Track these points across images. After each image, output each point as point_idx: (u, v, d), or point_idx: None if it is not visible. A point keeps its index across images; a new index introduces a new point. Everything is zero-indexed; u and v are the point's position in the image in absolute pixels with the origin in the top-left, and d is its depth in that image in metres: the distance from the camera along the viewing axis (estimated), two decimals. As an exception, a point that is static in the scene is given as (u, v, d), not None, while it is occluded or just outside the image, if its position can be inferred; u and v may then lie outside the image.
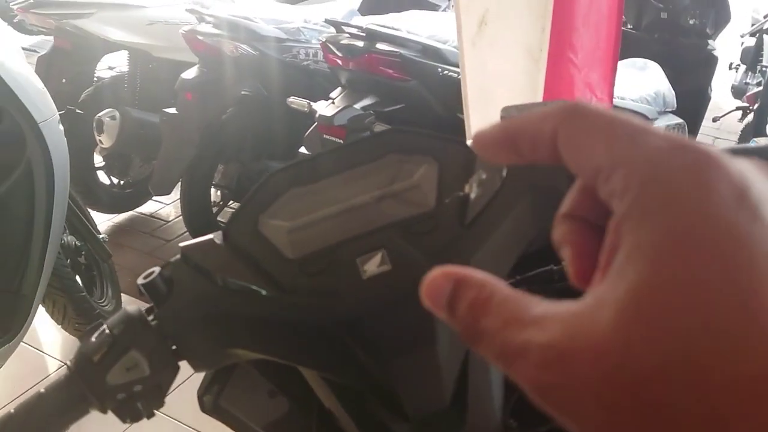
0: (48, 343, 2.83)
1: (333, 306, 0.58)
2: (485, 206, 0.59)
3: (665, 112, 2.58)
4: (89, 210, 2.85)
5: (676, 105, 2.71)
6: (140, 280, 0.62)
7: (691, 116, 2.82)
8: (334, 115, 2.46)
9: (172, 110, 3.05)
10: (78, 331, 2.66)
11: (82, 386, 0.59)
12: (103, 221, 3.70)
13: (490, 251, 0.59)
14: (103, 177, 3.65)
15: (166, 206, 3.98)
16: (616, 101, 2.37)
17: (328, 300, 0.58)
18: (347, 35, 2.63)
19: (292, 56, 3.12)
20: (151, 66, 3.51)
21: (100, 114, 3.24)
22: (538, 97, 1.79)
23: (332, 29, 2.77)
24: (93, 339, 0.61)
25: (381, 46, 2.54)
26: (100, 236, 2.65)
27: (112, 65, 3.78)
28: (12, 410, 0.61)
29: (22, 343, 2.59)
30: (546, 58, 1.74)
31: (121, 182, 3.67)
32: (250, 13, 3.15)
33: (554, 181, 0.60)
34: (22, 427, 0.61)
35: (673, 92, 2.71)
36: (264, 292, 0.59)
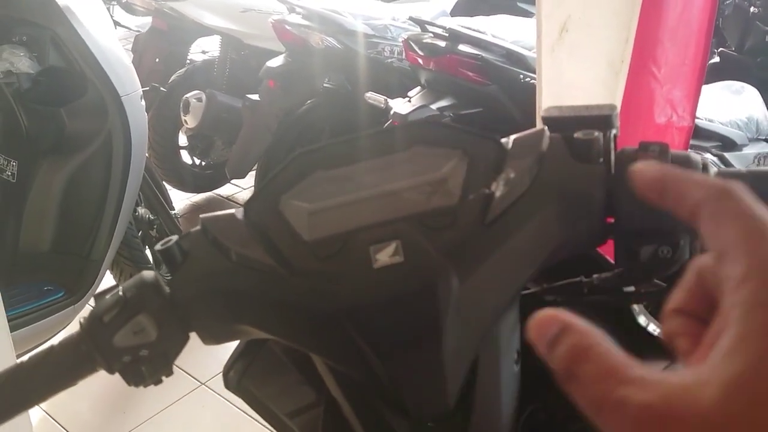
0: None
1: (339, 292, 0.57)
2: (509, 206, 0.57)
3: (758, 140, 2.45)
4: (167, 187, 2.95)
5: (772, 133, 2.57)
6: (158, 247, 0.63)
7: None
8: (408, 113, 2.45)
9: (255, 96, 3.11)
10: (142, 300, 2.76)
11: (90, 345, 0.60)
12: (182, 199, 3.82)
13: (510, 254, 0.57)
14: (186, 157, 3.77)
15: (244, 191, 4.07)
16: (703, 123, 2.27)
17: (335, 285, 0.57)
18: (430, 34, 2.62)
19: (376, 52, 3.14)
20: (241, 52, 3.59)
21: (187, 95, 3.34)
22: (615, 111, 1.72)
23: (417, 27, 2.76)
24: (106, 300, 0.63)
25: (463, 47, 2.52)
26: (173, 212, 2.73)
27: (205, 49, 3.90)
28: (23, 360, 0.62)
29: (87, 305, 2.71)
30: (627, 70, 1.68)
31: (203, 163, 3.78)
32: (340, 6, 3.18)
33: (587, 189, 0.57)
34: (30, 378, 0.63)
35: (772, 120, 2.57)
36: (274, 272, 0.59)
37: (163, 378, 0.69)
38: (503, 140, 0.62)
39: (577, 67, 1.69)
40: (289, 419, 0.81)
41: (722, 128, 2.28)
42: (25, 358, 0.63)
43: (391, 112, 2.53)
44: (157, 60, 3.54)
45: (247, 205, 0.62)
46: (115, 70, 2.06)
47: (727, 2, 2.93)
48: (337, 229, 0.59)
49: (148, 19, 3.82)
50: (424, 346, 0.56)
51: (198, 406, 2.46)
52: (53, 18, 1.95)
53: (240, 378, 0.85)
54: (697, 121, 2.25)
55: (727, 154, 2.28)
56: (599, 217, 0.58)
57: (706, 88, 2.83)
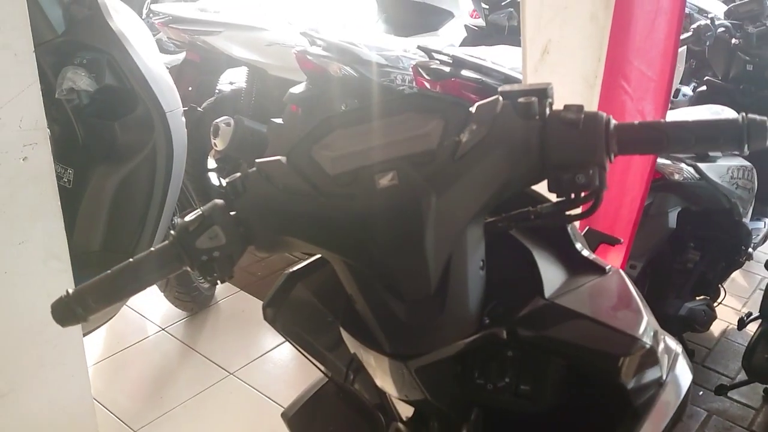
0: (149, 309, 3.21)
1: (354, 206, 0.82)
2: (471, 148, 0.82)
3: (732, 154, 2.68)
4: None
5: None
6: (226, 180, 0.90)
7: (765, 163, 2.90)
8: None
9: (279, 120, 3.41)
10: (177, 300, 3.02)
11: (179, 247, 0.85)
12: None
13: (472, 180, 0.82)
14: (214, 179, 4.07)
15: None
16: (671, 120, 2.51)
17: (350, 201, 0.83)
18: (437, 61, 2.91)
19: (389, 80, 3.42)
20: (266, 82, 3.90)
21: (217, 120, 3.64)
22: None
23: (425, 56, 3.06)
24: (191, 217, 0.89)
25: (465, 72, 2.80)
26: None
27: (232, 80, 4.22)
28: (130, 259, 0.88)
29: (126, 305, 2.98)
30: (600, 85, 1.95)
31: (229, 184, 4.04)
32: (357, 39, 3.49)
33: (526, 137, 0.82)
34: (136, 271, 0.88)
35: (747, 139, 2.75)
36: (309, 195, 0.84)
37: (227, 279, 0.93)
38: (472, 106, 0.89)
39: (557, 83, 1.93)
40: (328, 351, 1.05)
41: (695, 142, 2.51)
42: (134, 258, 0.88)
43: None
44: (190, 89, 3.86)
45: (289, 153, 0.89)
46: (161, 88, 2.35)
47: (709, 34, 3.18)
48: (352, 167, 0.84)
49: (178, 57, 4.15)
50: (412, 243, 0.80)
51: (226, 393, 2.69)
52: (109, 42, 2.24)
53: (276, 313, 1.11)
54: (673, 134, 2.50)
55: (701, 165, 2.52)
56: (536, 157, 0.82)
57: (688, 109, 3.10)
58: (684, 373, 0.94)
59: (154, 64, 2.37)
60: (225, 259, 0.86)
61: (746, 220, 2.82)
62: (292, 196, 0.85)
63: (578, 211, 0.89)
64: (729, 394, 2.85)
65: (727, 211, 2.66)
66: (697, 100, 3.67)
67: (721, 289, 3.03)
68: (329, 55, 3.35)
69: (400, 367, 0.85)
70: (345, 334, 0.92)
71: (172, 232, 0.87)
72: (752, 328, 2.76)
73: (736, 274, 3.48)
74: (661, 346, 0.90)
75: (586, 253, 1.00)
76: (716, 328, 3.17)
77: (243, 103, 3.88)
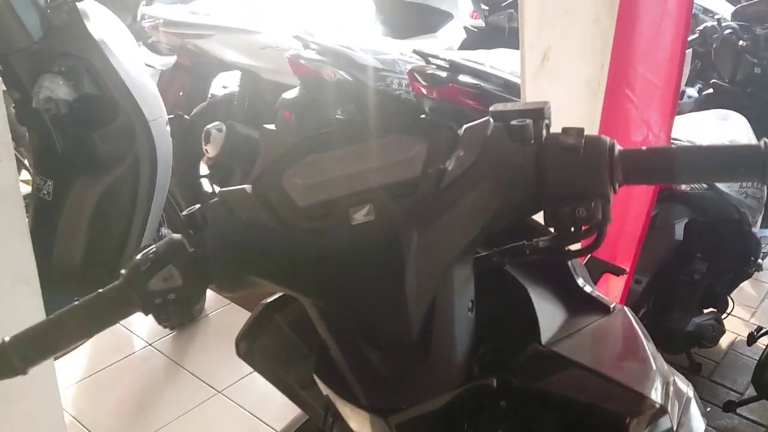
0: (137, 323, 3.11)
1: (324, 243, 0.74)
2: (458, 177, 0.73)
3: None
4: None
5: (756, 158, 2.67)
6: (184, 213, 0.81)
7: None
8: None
9: (272, 126, 3.31)
10: (165, 314, 2.92)
11: (130, 290, 0.77)
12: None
13: (459, 213, 0.73)
14: (206, 185, 3.97)
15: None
16: (683, 145, 2.42)
17: (321, 238, 0.74)
18: (433, 66, 2.81)
19: (385, 85, 3.33)
20: (259, 87, 3.81)
21: (208, 126, 3.55)
22: (595, 130, 1.89)
23: (422, 60, 2.96)
24: (144, 254, 0.80)
25: (463, 78, 2.71)
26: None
27: (225, 84, 4.13)
28: (78, 302, 0.79)
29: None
30: (603, 93, 1.85)
31: (222, 191, 3.95)
32: (352, 43, 3.39)
33: (520, 163, 0.73)
34: (82, 317, 0.79)
35: (756, 146, 2.66)
36: (275, 230, 0.75)
37: (186, 322, 0.86)
38: (460, 129, 0.80)
39: (558, 91, 1.86)
40: (302, 389, 0.96)
41: (702, 150, 2.40)
42: (79, 301, 0.79)
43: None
44: (181, 94, 3.77)
45: (254, 181, 0.80)
46: (143, 97, 2.27)
47: (715, 36, 3.09)
48: (324, 197, 0.76)
49: (172, 59, 4.06)
50: (390, 285, 0.72)
51: (214, 412, 2.60)
52: (89, 49, 2.16)
53: (250, 347, 1.02)
54: (678, 143, 2.41)
55: (709, 175, 2.41)
56: (531, 187, 0.73)
57: (694, 115, 2.99)
58: (696, 422, 0.86)
59: (137, 72, 2.28)
60: (182, 302, 0.79)
61: (756, 229, 2.72)
62: (257, 231, 0.77)
63: (578, 246, 0.81)
64: (738, 411, 2.76)
65: (736, 221, 2.56)
66: (703, 103, 3.57)
67: (730, 300, 2.93)
68: (323, 59, 3.26)
69: (379, 422, 0.78)
70: (319, 382, 0.86)
71: (123, 271, 0.79)
72: (763, 341, 2.67)
73: (745, 284, 3.37)
74: (671, 391, 0.83)
75: (588, 288, 0.92)
76: (724, 340, 3.07)
77: (236, 108, 3.79)
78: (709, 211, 2.50)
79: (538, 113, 0.75)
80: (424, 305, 0.73)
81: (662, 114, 1.95)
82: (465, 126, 0.77)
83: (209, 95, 3.98)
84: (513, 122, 0.74)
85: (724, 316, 2.89)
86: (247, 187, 0.79)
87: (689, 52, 3.32)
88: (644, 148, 0.75)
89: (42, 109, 2.19)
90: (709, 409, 2.80)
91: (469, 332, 0.79)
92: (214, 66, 3.79)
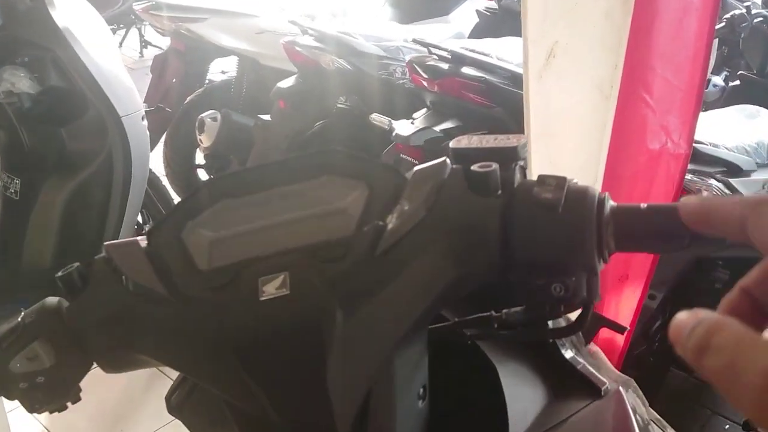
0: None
1: (226, 323, 0.57)
2: (401, 239, 0.56)
3: (768, 166, 2.38)
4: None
5: (788, 159, 2.48)
6: (59, 273, 0.64)
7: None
8: (410, 135, 2.44)
9: (267, 117, 3.14)
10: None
11: None
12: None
13: (401, 287, 0.56)
14: (203, 175, 3.81)
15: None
16: (706, 148, 2.22)
17: (223, 316, 0.58)
18: (435, 57, 2.61)
19: (387, 74, 3.13)
20: (258, 73, 3.62)
21: (202, 115, 3.38)
22: (606, 137, 1.69)
23: (424, 49, 2.76)
24: (7, 325, 0.63)
25: (466, 70, 2.50)
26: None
27: (225, 69, 3.95)
28: None
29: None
30: (616, 96, 1.65)
31: (219, 182, 3.80)
32: (352, 29, 3.19)
33: (481, 222, 0.56)
34: None
35: (787, 145, 2.48)
36: (167, 302, 0.59)
37: (69, 404, 0.69)
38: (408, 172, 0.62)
39: (565, 93, 1.66)
40: None
41: (727, 153, 2.21)
42: None
43: (393, 134, 2.52)
44: (174, 80, 3.60)
45: (150, 233, 0.63)
46: (114, 91, 2.10)
47: (744, 25, 2.86)
48: (232, 259, 0.59)
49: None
50: (309, 382, 0.56)
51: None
52: (53, 39, 1.99)
53: (182, 404, 0.85)
54: (700, 146, 2.20)
55: (732, 180, 2.21)
56: (495, 254, 0.56)
57: (718, 112, 2.77)
58: None
59: (107, 64, 2.11)
60: (55, 386, 0.64)
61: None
62: (146, 302, 0.61)
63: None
64: (759, 430, 2.55)
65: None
66: (729, 96, 3.34)
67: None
68: (321, 46, 3.06)
69: None
70: None
71: None
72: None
73: None
74: None
75: (578, 362, 0.76)
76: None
77: (233, 96, 3.60)
78: (733, 219, 2.29)
79: (510, 154, 0.58)
80: (356, 402, 0.57)
81: (683, 119, 1.74)
82: (415, 168, 0.60)
83: (206, 81, 3.80)
84: (474, 167, 0.57)
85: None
86: (142, 239, 0.63)
87: (714, 42, 3.08)
88: (644, 205, 0.55)
89: (4, 103, 2.02)
90: (728, 426, 2.63)
91: (418, 427, 0.63)
92: (209, 51, 3.61)
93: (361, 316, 0.55)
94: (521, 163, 0.59)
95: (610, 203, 0.55)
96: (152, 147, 3.56)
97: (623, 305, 1.88)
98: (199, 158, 3.75)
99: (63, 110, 2.09)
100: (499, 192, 0.56)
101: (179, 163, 3.60)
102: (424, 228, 0.56)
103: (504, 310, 0.65)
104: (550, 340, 0.74)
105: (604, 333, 1.85)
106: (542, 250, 0.55)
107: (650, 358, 2.35)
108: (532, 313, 0.63)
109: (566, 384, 0.74)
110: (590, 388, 0.73)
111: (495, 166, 0.56)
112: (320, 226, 0.59)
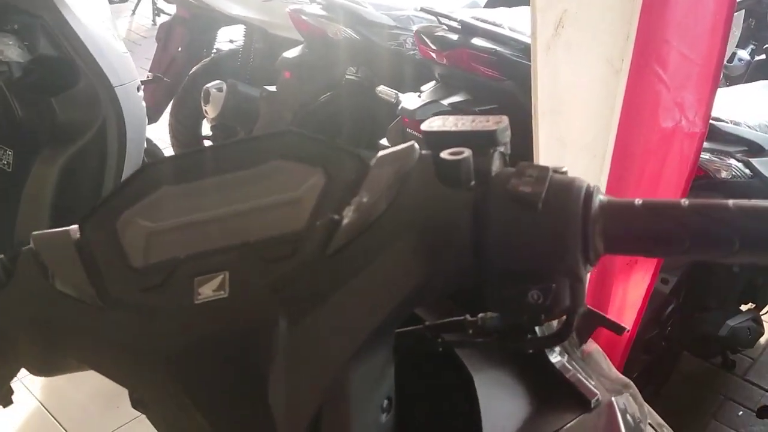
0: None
1: (157, 329, 0.51)
2: (358, 236, 0.49)
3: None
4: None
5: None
6: None
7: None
8: (416, 108, 2.35)
9: (272, 88, 3.06)
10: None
11: None
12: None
13: (356, 291, 0.49)
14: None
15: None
16: (727, 126, 2.11)
17: (153, 322, 0.51)
18: (445, 27, 2.51)
19: (397, 44, 3.04)
20: (266, 42, 3.54)
21: (208, 85, 3.31)
22: (616, 114, 1.59)
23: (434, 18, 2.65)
24: None
25: (476, 41, 2.40)
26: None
27: (233, 38, 3.86)
28: None
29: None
30: (628, 70, 1.55)
31: (226, 153, 3.74)
32: (363, -4, 3.09)
33: (451, 218, 0.48)
34: None
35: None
36: (94, 302, 0.52)
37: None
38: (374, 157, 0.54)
39: (574, 65, 1.56)
40: None
41: (748, 132, 2.10)
42: None
43: (399, 108, 2.43)
44: (179, 49, 3.52)
45: (82, 221, 0.56)
46: (108, 60, 2.04)
47: (772, -6, 2.72)
48: (167, 256, 0.52)
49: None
50: (250, 399, 0.49)
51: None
52: (42, 6, 1.93)
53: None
54: (720, 123, 2.09)
55: (753, 160, 2.10)
56: (467, 254, 0.48)
57: (741, 87, 2.65)
58: None
59: (100, 33, 2.05)
60: None
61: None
62: (72, 302, 0.53)
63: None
64: (781, 417, 2.50)
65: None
66: (755, 71, 3.20)
67: (771, 292, 2.63)
68: (328, 14, 2.96)
69: None
70: None
71: None
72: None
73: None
74: None
75: (567, 370, 0.68)
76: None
77: (240, 66, 3.52)
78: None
79: (487, 138, 0.50)
80: (303, 421, 0.49)
81: (699, 96, 1.64)
82: (379, 153, 0.53)
83: (213, 50, 3.71)
84: (444, 153, 0.49)
85: (764, 311, 2.60)
86: (73, 229, 0.56)
87: (739, 14, 2.94)
88: (639, 201, 0.47)
89: (-5, 72, 1.96)
90: (741, 413, 2.56)
91: None
92: (215, 19, 3.51)
93: (308, 324, 0.48)
94: (501, 149, 0.51)
95: (600, 198, 0.47)
96: (157, 118, 3.52)
97: (631, 291, 1.79)
98: (206, 129, 3.68)
99: (54, 79, 2.04)
100: (472, 183, 0.49)
101: (185, 135, 3.53)
102: (384, 224, 0.49)
103: (480, 315, 0.58)
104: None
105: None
106: (517, 254, 0.48)
107: (662, 343, 2.27)
108: (508, 321, 0.56)
109: (552, 394, 0.66)
110: (579, 400, 0.65)
111: (468, 152, 0.49)
112: (268, 220, 0.52)
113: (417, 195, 0.49)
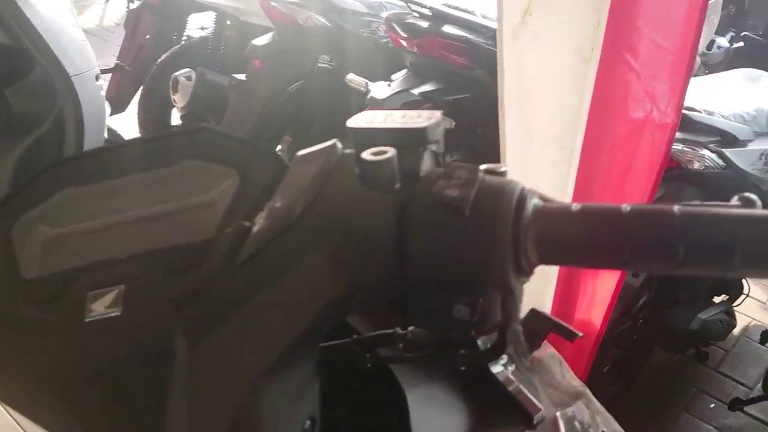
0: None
1: (44, 350, 0.46)
2: (267, 245, 0.45)
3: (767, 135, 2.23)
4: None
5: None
6: None
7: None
8: (385, 98, 2.30)
9: (242, 76, 2.99)
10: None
11: None
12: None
13: (266, 307, 0.45)
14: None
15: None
16: (700, 116, 2.07)
17: (41, 341, 0.46)
18: (415, 14, 2.45)
19: (370, 32, 2.98)
20: (237, 29, 3.46)
21: (176, 73, 3.23)
22: (585, 103, 1.55)
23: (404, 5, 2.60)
24: None
25: (447, 29, 2.35)
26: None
27: (204, 25, 3.77)
28: None
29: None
30: (598, 60, 1.50)
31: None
32: (334, -16, 3.02)
33: (372, 224, 0.44)
34: None
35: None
36: None
37: None
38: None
39: (541, 54, 1.51)
40: None
41: (722, 122, 2.06)
42: None
43: (368, 97, 2.38)
44: (147, 36, 3.43)
45: None
46: (64, 48, 1.95)
47: (749, -18, 2.69)
48: (65, 266, 0.48)
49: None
50: (145, 426, 0.45)
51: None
52: (-10, -9, 1.84)
53: None
54: (693, 113, 2.06)
55: (727, 151, 2.07)
56: (390, 264, 0.44)
57: (718, 76, 2.61)
58: None
59: (56, 18, 1.96)
60: None
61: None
62: None
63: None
64: (746, 409, 2.49)
65: (757, 200, 2.21)
66: (733, 58, 3.18)
67: (744, 283, 2.61)
68: (299, 1, 2.89)
69: None
70: None
71: None
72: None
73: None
74: None
75: (510, 382, 0.64)
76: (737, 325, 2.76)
77: (210, 54, 3.44)
78: (726, 191, 2.15)
79: (416, 136, 0.46)
80: None
81: (672, 86, 1.59)
82: (299, 153, 0.49)
83: (183, 38, 3.62)
84: (366, 153, 0.45)
85: (737, 303, 2.59)
86: None
87: (718, 0, 2.90)
88: (578, 206, 0.43)
89: (-58, 60, 1.88)
90: (713, 405, 2.56)
91: None
92: (184, 6, 3.43)
93: (212, 343, 0.44)
94: (433, 147, 0.46)
95: (535, 202, 0.43)
96: (124, 107, 3.44)
97: (600, 286, 1.76)
98: (175, 119, 3.60)
99: (6, 69, 1.95)
100: (398, 185, 0.44)
101: (154, 124, 3.45)
102: (299, 230, 0.45)
103: (410, 328, 0.54)
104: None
105: (575, 325, 1.74)
106: (443, 263, 0.43)
107: (633, 337, 2.25)
108: (437, 336, 0.52)
109: (493, 410, 0.63)
110: (521, 416, 0.62)
111: (391, 152, 0.44)
112: (177, 226, 0.48)
113: (336, 199, 0.45)
